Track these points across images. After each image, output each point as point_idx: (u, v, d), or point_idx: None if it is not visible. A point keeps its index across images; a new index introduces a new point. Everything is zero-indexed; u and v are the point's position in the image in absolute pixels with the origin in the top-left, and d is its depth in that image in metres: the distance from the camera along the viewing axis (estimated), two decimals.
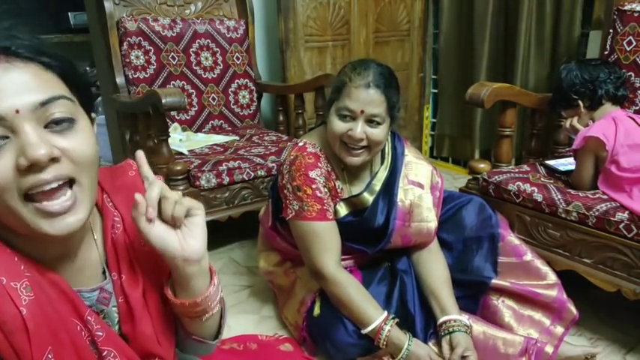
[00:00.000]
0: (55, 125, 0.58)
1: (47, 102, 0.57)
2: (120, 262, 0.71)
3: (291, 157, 1.30)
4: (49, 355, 0.59)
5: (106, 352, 0.66)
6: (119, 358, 0.67)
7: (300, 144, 1.33)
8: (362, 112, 1.20)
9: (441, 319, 1.26)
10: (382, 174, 1.36)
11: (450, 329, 1.23)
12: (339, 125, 1.23)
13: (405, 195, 1.33)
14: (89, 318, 0.65)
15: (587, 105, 1.52)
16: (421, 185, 1.36)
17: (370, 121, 1.22)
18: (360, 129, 1.21)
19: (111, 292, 0.71)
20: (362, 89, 1.19)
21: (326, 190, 1.28)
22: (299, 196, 1.26)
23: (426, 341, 1.27)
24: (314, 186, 1.26)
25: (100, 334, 0.66)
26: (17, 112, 0.54)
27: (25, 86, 0.55)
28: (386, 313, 1.23)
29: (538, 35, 2.53)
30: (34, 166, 0.55)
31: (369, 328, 1.21)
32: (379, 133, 1.24)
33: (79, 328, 0.64)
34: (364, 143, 1.24)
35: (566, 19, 2.41)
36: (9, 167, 0.55)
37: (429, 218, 1.34)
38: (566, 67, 1.57)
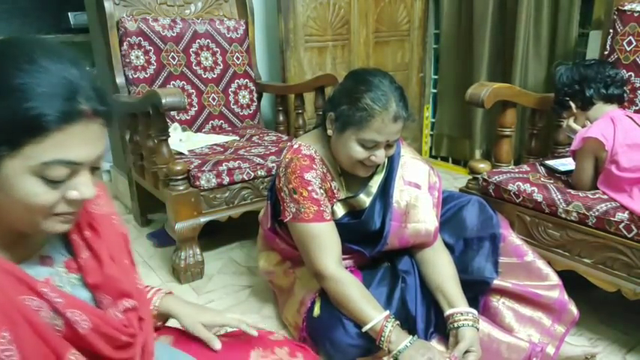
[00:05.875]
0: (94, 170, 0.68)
1: (101, 155, 0.67)
2: (81, 223, 0.76)
3: (287, 160, 1.30)
4: (5, 334, 0.61)
5: (69, 314, 0.67)
6: (85, 315, 0.68)
7: (295, 146, 1.33)
8: (387, 141, 1.23)
9: (449, 312, 1.25)
10: (379, 175, 1.36)
11: (457, 324, 1.22)
12: (360, 153, 1.23)
13: (400, 196, 1.33)
14: (44, 289, 0.66)
15: (578, 105, 1.53)
16: (418, 186, 1.36)
17: (389, 145, 1.26)
18: (383, 154, 1.25)
19: (51, 257, 0.73)
20: (389, 124, 1.19)
21: (322, 191, 1.28)
22: (295, 198, 1.26)
23: (427, 340, 1.26)
24: (310, 188, 1.26)
25: (60, 300, 0.67)
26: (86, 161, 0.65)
27: (96, 140, 0.65)
28: (387, 312, 1.22)
29: (536, 35, 2.53)
30: (78, 201, 0.66)
31: (369, 325, 1.20)
32: (394, 150, 1.29)
33: (35, 303, 0.65)
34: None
35: (564, 19, 2.42)
36: (59, 196, 0.64)
37: (426, 219, 1.33)
38: (559, 68, 1.58)
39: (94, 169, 0.68)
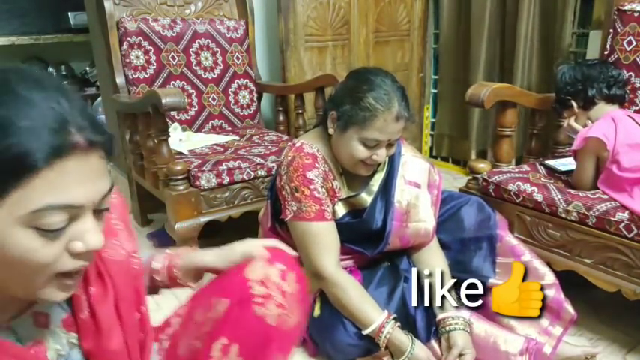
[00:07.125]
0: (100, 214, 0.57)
1: (107, 194, 0.56)
2: (88, 273, 0.65)
3: (289, 158, 1.31)
4: None
5: None
6: None
7: (298, 145, 1.33)
8: (389, 140, 1.24)
9: (440, 316, 1.26)
10: (380, 174, 1.37)
11: (447, 327, 1.23)
12: (363, 152, 1.25)
13: (402, 196, 1.34)
14: None
15: (580, 105, 1.53)
16: (418, 185, 1.36)
17: (391, 144, 1.27)
18: (385, 153, 1.26)
19: (47, 314, 0.64)
20: (391, 123, 1.21)
21: (324, 190, 1.29)
22: (297, 197, 1.26)
23: (428, 339, 1.27)
24: (312, 186, 1.26)
25: None
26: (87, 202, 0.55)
27: (95, 177, 0.55)
28: (386, 312, 1.23)
29: (535, 36, 2.53)
30: (85, 254, 0.55)
31: (370, 329, 1.21)
32: (394, 149, 1.31)
33: None
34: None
35: (559, 19, 2.42)
36: (60, 250, 0.54)
37: (426, 218, 1.34)
38: (562, 67, 1.58)
39: (101, 211, 0.56)
